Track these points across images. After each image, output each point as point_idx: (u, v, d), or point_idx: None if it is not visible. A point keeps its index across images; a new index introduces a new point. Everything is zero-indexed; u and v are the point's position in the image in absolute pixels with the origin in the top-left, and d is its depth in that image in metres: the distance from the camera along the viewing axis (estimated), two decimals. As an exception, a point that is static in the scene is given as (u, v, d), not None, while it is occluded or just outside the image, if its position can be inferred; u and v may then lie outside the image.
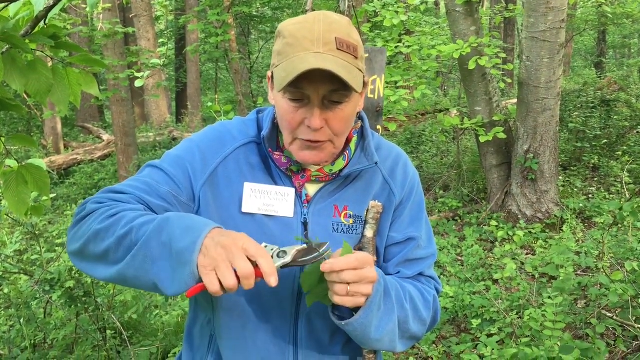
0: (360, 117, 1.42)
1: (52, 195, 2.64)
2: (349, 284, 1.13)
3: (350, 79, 1.17)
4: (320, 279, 1.17)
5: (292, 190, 1.34)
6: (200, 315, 1.42)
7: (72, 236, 1.26)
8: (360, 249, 1.32)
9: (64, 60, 1.58)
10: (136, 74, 5.26)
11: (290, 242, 1.27)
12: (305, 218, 1.34)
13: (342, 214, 1.37)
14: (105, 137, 13.17)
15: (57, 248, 5.51)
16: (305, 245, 1.13)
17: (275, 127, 1.36)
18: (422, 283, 1.43)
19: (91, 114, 16.61)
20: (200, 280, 1.05)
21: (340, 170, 1.36)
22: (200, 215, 1.29)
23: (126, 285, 1.25)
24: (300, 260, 1.11)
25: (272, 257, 1.09)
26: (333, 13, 1.26)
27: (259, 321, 1.32)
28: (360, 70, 1.24)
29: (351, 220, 1.37)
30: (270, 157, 1.35)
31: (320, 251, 1.13)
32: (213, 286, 1.03)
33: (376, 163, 1.37)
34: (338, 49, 1.19)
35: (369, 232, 1.33)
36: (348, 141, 1.38)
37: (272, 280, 1.04)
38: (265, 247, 1.12)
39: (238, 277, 1.03)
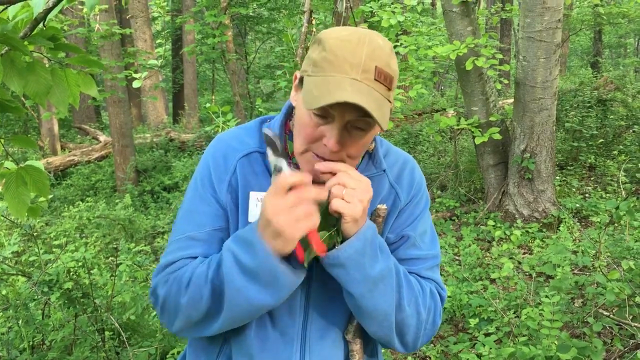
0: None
1: (50, 196, 2.64)
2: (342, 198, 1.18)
3: (379, 115, 1.15)
4: (324, 217, 1.20)
5: None
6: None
7: (167, 322, 1.33)
8: None
9: (63, 62, 1.59)
10: (134, 75, 5.26)
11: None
12: None
13: None
14: (102, 138, 13.14)
15: (55, 249, 5.51)
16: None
17: (283, 133, 1.38)
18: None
19: (88, 115, 16.59)
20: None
21: None
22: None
23: (243, 322, 1.31)
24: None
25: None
26: (378, 35, 1.24)
27: (269, 327, 1.33)
28: (390, 101, 1.23)
29: None
30: None
31: None
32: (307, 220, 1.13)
33: (384, 170, 1.39)
34: (375, 80, 1.17)
35: None
36: None
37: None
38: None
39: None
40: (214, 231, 1.34)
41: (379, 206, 1.35)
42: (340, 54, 1.17)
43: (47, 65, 1.58)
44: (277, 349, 1.33)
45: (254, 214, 1.33)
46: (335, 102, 1.12)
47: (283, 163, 1.19)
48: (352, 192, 1.17)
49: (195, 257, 1.32)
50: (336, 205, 1.17)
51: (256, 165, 1.37)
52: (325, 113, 1.20)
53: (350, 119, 1.20)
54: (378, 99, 1.17)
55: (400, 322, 1.31)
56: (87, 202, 8.27)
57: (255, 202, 1.33)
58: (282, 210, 1.11)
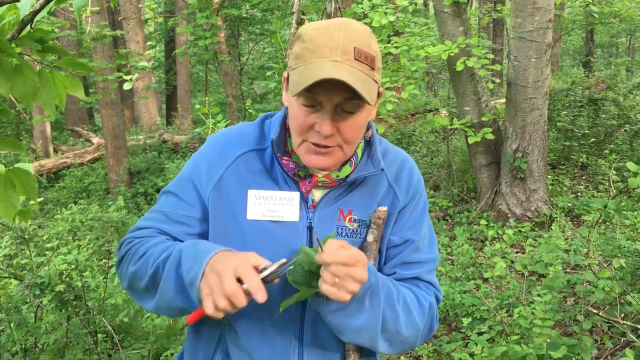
0: (369, 126, 1.43)
1: (40, 199, 2.63)
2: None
3: (364, 90, 1.18)
4: (309, 274, 1.20)
5: (297, 194, 1.36)
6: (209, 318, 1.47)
7: (119, 275, 1.42)
8: (363, 252, 1.34)
9: (51, 64, 1.59)
10: (125, 77, 5.25)
11: (297, 246, 1.32)
12: (310, 222, 1.36)
13: (347, 218, 1.38)
14: (95, 140, 13.09)
15: (47, 252, 5.49)
16: (284, 260, 1.19)
17: (284, 131, 1.39)
18: (420, 288, 1.43)
19: (80, 117, 16.52)
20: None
21: (347, 176, 1.37)
22: (210, 225, 1.38)
23: (167, 315, 1.42)
24: (279, 271, 1.17)
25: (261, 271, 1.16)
26: (355, 21, 1.27)
27: (266, 325, 1.35)
28: (376, 82, 1.26)
29: (355, 225, 1.39)
30: (278, 161, 1.36)
31: (291, 261, 1.19)
32: (209, 308, 1.12)
33: (382, 169, 1.38)
34: (356, 59, 1.20)
35: (369, 237, 1.37)
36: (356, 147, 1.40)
37: (259, 297, 1.10)
38: (262, 267, 1.18)
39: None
40: (186, 217, 1.39)
41: (379, 208, 1.36)
42: (319, 41, 1.21)
43: (37, 68, 1.58)
44: (275, 344, 1.35)
45: (253, 211, 1.35)
46: (318, 80, 1.15)
47: (270, 267, 1.18)
48: (343, 282, 1.15)
49: (164, 233, 1.39)
50: (325, 290, 1.16)
51: (254, 164, 1.38)
52: (313, 101, 1.22)
53: (339, 102, 1.22)
54: (361, 76, 1.20)
55: (395, 340, 1.35)
56: (80, 204, 8.24)
57: (254, 200, 1.35)
58: (223, 279, 1.11)
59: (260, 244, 1.32)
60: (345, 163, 1.37)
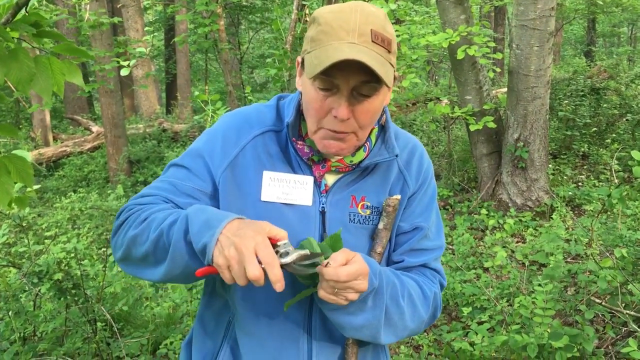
0: (383, 111, 1.40)
1: (37, 186, 2.61)
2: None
3: (382, 72, 1.16)
4: (311, 274, 1.19)
5: (311, 178, 1.35)
6: (215, 302, 1.44)
7: (114, 245, 1.33)
8: (373, 239, 1.37)
9: (47, 50, 1.56)
10: (122, 63, 5.20)
11: (308, 231, 1.33)
12: (323, 207, 1.35)
13: (359, 205, 1.38)
14: (95, 128, 13.06)
15: (46, 240, 5.47)
16: (307, 251, 1.15)
17: (298, 114, 1.36)
18: (426, 276, 1.44)
19: (80, 106, 16.48)
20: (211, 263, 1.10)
21: (360, 162, 1.36)
22: (220, 203, 1.34)
23: (179, 283, 1.33)
24: (296, 264, 1.13)
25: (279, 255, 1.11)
26: (369, 4, 1.26)
27: (275, 311, 1.34)
28: (392, 65, 1.23)
29: (368, 212, 1.38)
30: (293, 145, 1.35)
31: (315, 260, 1.14)
32: (228, 280, 1.08)
33: (396, 156, 1.37)
34: (373, 42, 1.18)
35: (380, 224, 1.37)
36: (370, 132, 1.38)
37: (278, 287, 1.06)
38: (282, 244, 1.13)
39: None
40: (196, 190, 1.34)
41: (391, 197, 1.36)
42: (335, 24, 1.19)
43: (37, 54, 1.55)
44: (283, 330, 1.35)
45: (267, 193, 1.33)
46: (335, 62, 1.13)
47: (291, 256, 1.13)
48: (343, 292, 1.16)
49: (169, 201, 1.33)
50: (323, 297, 1.17)
51: (271, 145, 1.37)
52: (329, 84, 1.20)
53: (355, 85, 1.19)
54: (379, 59, 1.18)
55: (399, 332, 1.35)
56: (80, 193, 8.22)
57: (269, 182, 1.33)
58: (245, 259, 1.05)
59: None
60: (359, 148, 1.36)
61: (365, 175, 1.39)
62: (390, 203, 1.35)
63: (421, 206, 1.44)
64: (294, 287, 1.28)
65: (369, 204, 1.38)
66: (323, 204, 1.35)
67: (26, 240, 3.29)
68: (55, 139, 13.81)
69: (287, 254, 1.11)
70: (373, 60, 1.15)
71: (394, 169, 1.42)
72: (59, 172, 11.16)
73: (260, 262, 1.05)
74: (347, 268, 1.13)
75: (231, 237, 1.08)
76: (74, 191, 8.87)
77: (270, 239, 1.11)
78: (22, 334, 3.09)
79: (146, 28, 12.95)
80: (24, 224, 3.48)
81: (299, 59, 1.31)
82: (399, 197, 1.37)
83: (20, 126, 16.15)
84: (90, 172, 10.90)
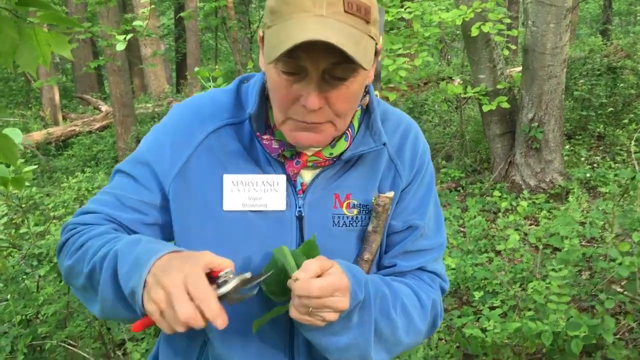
0: (366, 91, 1.18)
1: (32, 167, 2.53)
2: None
3: (358, 51, 0.94)
4: (283, 289, 1.02)
5: (283, 177, 1.13)
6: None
7: (59, 267, 1.17)
8: (363, 243, 1.18)
9: (31, 19, 1.46)
10: (117, 37, 5.08)
11: (284, 241, 1.11)
12: (300, 211, 1.14)
13: (344, 204, 1.16)
14: (104, 108, 13.02)
15: (54, 221, 5.41)
16: (249, 274, 0.97)
17: (263, 101, 1.13)
18: (424, 282, 1.23)
19: (90, 85, 16.44)
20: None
21: (342, 153, 1.14)
22: (173, 218, 1.15)
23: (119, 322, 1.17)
24: (240, 291, 0.95)
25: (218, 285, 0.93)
26: None
27: (249, 335, 1.14)
28: (373, 38, 1.01)
29: (355, 211, 1.16)
30: (259, 141, 1.13)
31: (261, 277, 0.97)
32: (166, 330, 0.90)
33: (384, 144, 1.15)
34: (346, 12, 0.95)
35: (369, 227, 1.16)
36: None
37: (219, 323, 0.87)
38: (223, 274, 0.94)
39: None
40: (142, 203, 1.15)
41: (383, 195, 1.14)
42: None
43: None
44: (263, 358, 1.17)
45: (230, 200, 1.12)
46: (297, 44, 0.91)
47: (230, 284, 0.94)
48: (318, 312, 0.96)
49: (114, 220, 1.14)
50: (295, 317, 0.98)
51: (230, 142, 1.14)
52: (295, 68, 0.98)
53: (326, 67, 0.97)
54: (353, 34, 0.95)
55: (392, 349, 1.16)
56: (86, 172, 8.18)
57: (231, 187, 1.12)
58: (173, 299, 0.87)
59: (240, 241, 1.12)
60: (339, 137, 1.14)
61: (348, 168, 1.17)
62: (381, 202, 1.13)
63: (416, 200, 1.22)
64: (268, 306, 1.10)
65: (355, 202, 1.17)
66: (300, 207, 1.14)
67: (28, 222, 3.22)
68: (64, 118, 13.79)
69: (225, 282, 0.93)
70: (346, 39, 0.93)
71: (383, 158, 1.19)
72: (68, 151, 11.13)
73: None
74: (319, 281, 0.93)
75: (158, 275, 0.90)
76: (82, 171, 8.81)
77: (213, 271, 0.93)
78: (24, 317, 3.03)
79: (152, 6, 12.82)
80: (24, 205, 3.41)
81: (260, 32, 1.07)
82: (391, 194, 1.15)
83: (30, 105, 16.14)
84: (99, 151, 10.86)
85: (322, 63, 0.96)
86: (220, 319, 0.87)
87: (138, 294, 0.91)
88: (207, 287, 0.89)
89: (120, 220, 1.14)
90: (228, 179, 1.12)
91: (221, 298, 0.91)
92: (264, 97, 1.13)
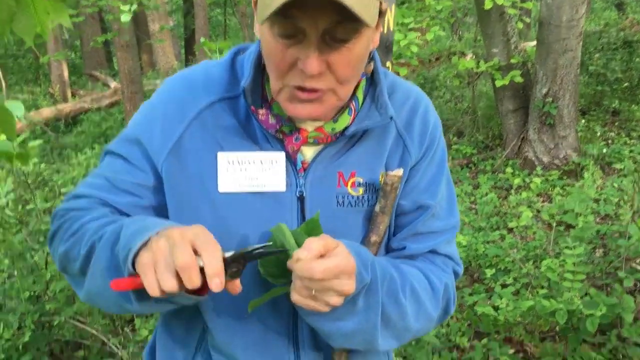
0: (371, 57, 1.08)
1: (38, 142, 2.48)
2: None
3: (360, 7, 0.84)
4: (282, 270, 0.95)
5: (282, 154, 1.05)
6: (184, 308, 1.08)
7: (52, 255, 1.10)
8: (370, 224, 1.10)
9: (28, -15, 1.40)
10: (122, 8, 5.00)
11: (284, 223, 1.02)
12: (300, 191, 1.06)
13: (349, 183, 1.08)
14: (113, 84, 12.99)
15: (62, 197, 5.40)
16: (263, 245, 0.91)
17: (259, 73, 1.05)
18: (436, 265, 1.15)
19: (99, 61, 16.39)
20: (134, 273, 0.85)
21: (346, 128, 1.06)
22: (167, 199, 1.07)
23: (105, 310, 1.08)
24: (248, 252, 0.88)
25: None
26: None
27: (250, 321, 1.08)
28: None
29: (360, 190, 1.08)
30: (254, 117, 1.04)
31: (257, 252, 0.89)
32: (151, 288, 0.82)
33: (391, 118, 1.05)
34: None
35: (377, 207, 1.08)
36: (355, 88, 1.05)
37: (215, 283, 0.81)
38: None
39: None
40: (135, 184, 1.07)
41: (392, 173, 1.05)
42: None
43: None
44: (263, 346, 1.10)
45: (225, 181, 1.04)
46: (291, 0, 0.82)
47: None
48: (322, 295, 0.90)
49: (107, 204, 1.07)
50: (297, 301, 0.92)
51: (224, 117, 1.06)
52: (291, 29, 0.89)
53: (327, 27, 0.87)
54: None
55: (401, 335, 1.09)
56: (95, 149, 8.17)
57: (226, 166, 1.04)
58: (175, 245, 0.82)
59: (237, 224, 1.04)
60: (342, 111, 1.05)
61: (353, 144, 1.08)
62: (389, 181, 1.04)
63: (427, 178, 1.13)
64: (266, 288, 1.02)
65: (360, 181, 1.08)
66: (301, 187, 1.06)
67: (35, 197, 3.19)
68: (73, 95, 13.77)
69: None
70: None
71: (390, 133, 1.10)
72: (77, 128, 11.13)
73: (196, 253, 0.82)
74: (324, 263, 0.86)
75: (164, 232, 0.85)
76: (92, 147, 8.80)
77: None
78: (32, 294, 3.00)
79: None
80: (28, 181, 3.38)
81: None
82: (400, 172, 1.05)
83: (39, 82, 16.14)
84: (108, 128, 10.85)
85: (321, 22, 0.87)
86: (218, 279, 0.81)
87: (133, 250, 0.85)
88: (215, 244, 0.83)
89: (114, 204, 1.07)
90: (223, 157, 1.04)
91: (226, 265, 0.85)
92: (260, 68, 1.05)
